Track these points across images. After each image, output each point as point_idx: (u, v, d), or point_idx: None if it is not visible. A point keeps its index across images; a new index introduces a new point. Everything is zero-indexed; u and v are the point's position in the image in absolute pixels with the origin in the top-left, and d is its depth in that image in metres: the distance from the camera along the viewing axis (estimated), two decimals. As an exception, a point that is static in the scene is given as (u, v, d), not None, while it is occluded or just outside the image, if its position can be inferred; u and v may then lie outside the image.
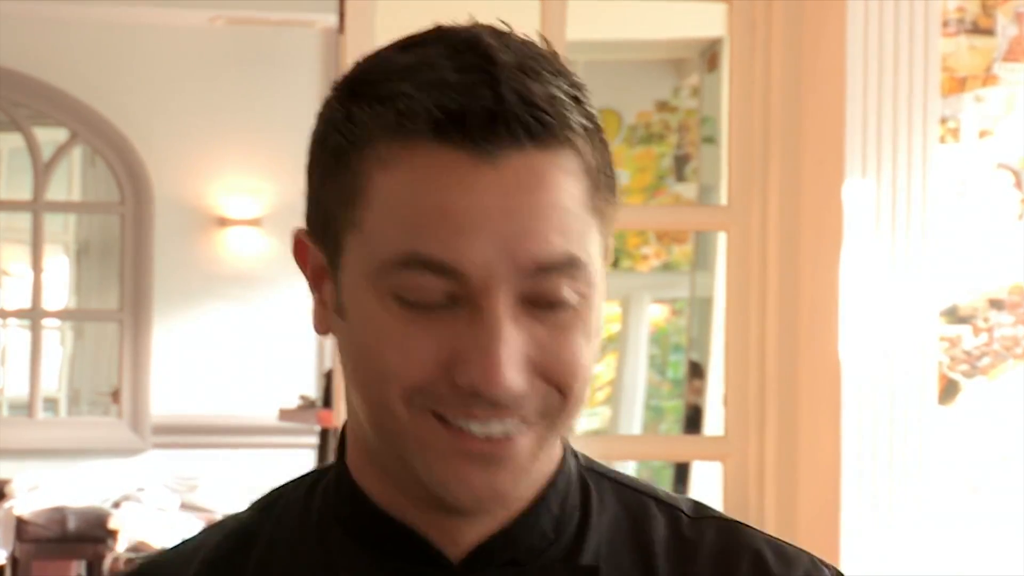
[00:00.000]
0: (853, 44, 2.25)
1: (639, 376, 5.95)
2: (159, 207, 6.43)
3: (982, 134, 2.36)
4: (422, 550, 0.69)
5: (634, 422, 5.93)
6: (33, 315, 6.69)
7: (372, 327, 0.66)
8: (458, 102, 0.65)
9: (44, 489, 5.61)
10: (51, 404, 7.28)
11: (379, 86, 0.67)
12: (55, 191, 6.80)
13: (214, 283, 6.47)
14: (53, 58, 6.32)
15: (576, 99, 0.70)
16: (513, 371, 0.64)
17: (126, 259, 6.49)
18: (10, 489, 5.63)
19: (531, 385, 0.65)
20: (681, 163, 6.22)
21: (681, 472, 5.67)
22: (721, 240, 2.37)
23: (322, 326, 0.72)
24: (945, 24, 2.39)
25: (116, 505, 5.45)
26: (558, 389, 0.66)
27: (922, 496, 2.06)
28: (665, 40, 5.95)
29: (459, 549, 0.69)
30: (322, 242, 0.70)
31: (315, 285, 0.72)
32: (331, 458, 0.79)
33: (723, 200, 2.45)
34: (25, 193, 6.67)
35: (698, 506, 0.76)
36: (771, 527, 2.18)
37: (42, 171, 6.56)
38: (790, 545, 0.75)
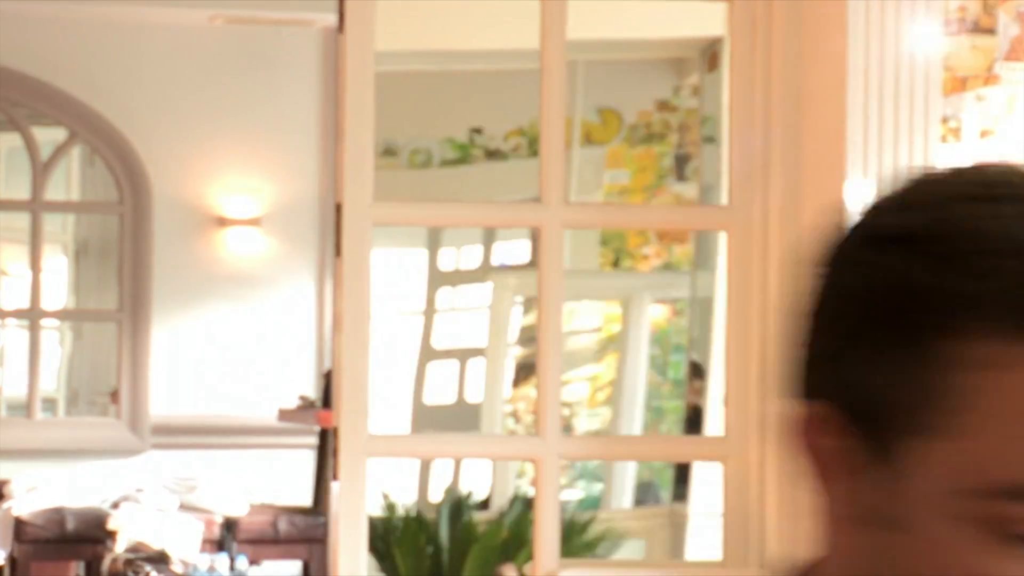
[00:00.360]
0: (854, 44, 2.24)
1: (640, 376, 5.94)
2: (158, 207, 6.42)
3: (983, 134, 2.35)
4: None
5: (635, 422, 5.92)
6: (32, 315, 6.68)
7: (956, 559, 0.55)
8: None
9: (43, 490, 5.60)
10: (50, 404, 7.28)
11: (966, 256, 0.54)
12: (54, 191, 6.79)
13: (213, 283, 6.46)
14: (51, 57, 6.32)
15: None
16: None
17: (125, 259, 6.48)
18: (8, 490, 5.62)
19: None
20: (682, 163, 6.22)
21: (681, 472, 5.66)
22: (722, 240, 2.36)
23: (835, 530, 0.59)
24: (946, 23, 2.38)
25: (115, 506, 5.44)
26: None
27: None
28: (666, 39, 5.95)
29: None
30: (861, 431, 0.57)
31: (827, 476, 0.58)
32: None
33: (723, 200, 2.44)
34: (24, 193, 6.67)
35: None
36: (771, 528, 2.17)
37: (40, 171, 6.55)
38: None
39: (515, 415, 6.98)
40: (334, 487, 2.05)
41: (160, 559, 4.98)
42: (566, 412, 6.42)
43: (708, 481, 5.03)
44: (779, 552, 2.14)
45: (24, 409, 6.71)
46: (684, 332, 6.00)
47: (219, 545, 5.35)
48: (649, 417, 5.99)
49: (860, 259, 0.57)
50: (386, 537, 5.83)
